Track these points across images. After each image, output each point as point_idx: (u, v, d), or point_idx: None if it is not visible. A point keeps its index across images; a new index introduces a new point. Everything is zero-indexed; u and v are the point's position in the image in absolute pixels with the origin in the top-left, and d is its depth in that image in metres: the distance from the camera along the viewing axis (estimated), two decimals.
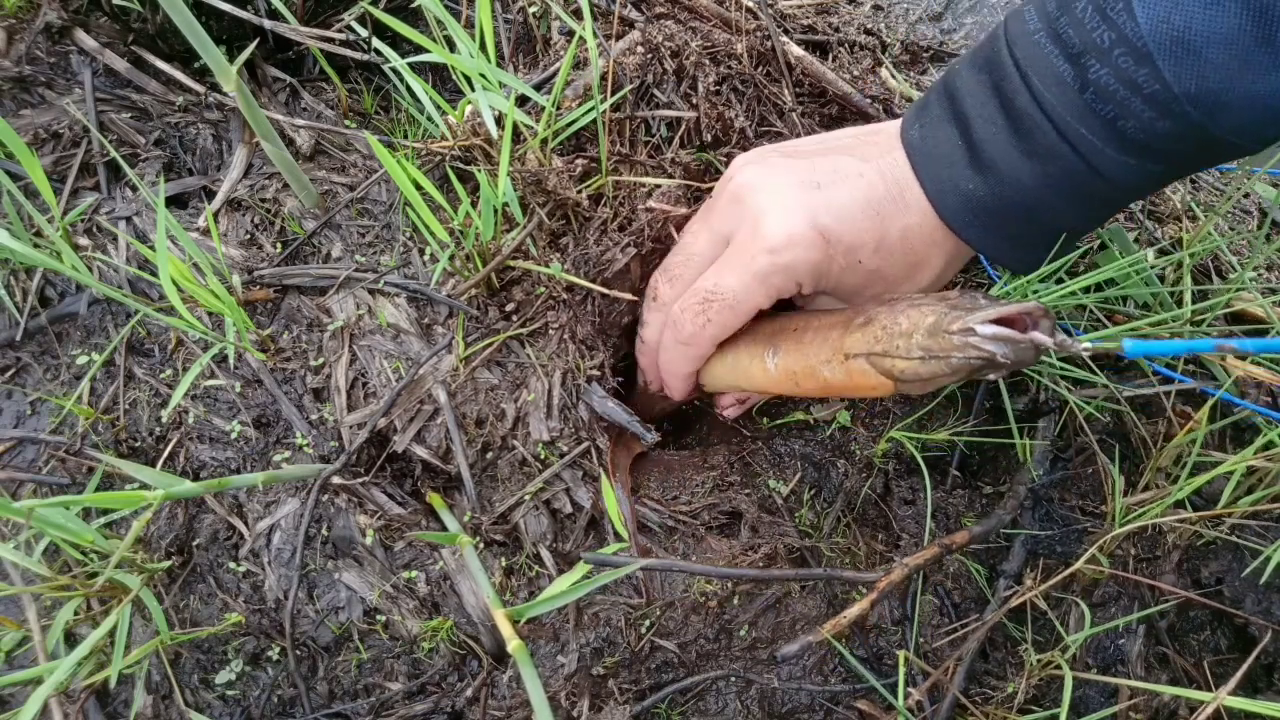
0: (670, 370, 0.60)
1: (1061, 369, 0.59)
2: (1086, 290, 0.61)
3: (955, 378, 0.42)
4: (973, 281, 0.68)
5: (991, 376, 0.41)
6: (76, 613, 0.50)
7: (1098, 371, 0.59)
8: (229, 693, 0.54)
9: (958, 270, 0.57)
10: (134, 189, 0.65)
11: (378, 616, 0.55)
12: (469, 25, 0.72)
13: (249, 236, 0.64)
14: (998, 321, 0.39)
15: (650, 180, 0.64)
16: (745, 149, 0.68)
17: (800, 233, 0.51)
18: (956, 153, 0.49)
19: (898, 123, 0.54)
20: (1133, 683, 0.48)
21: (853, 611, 0.50)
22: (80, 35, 0.68)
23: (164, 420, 0.59)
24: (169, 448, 0.59)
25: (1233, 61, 0.39)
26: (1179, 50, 0.39)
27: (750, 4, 0.72)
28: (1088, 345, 0.37)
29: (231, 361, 0.60)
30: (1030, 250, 0.52)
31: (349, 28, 0.68)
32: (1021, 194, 0.48)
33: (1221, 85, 0.40)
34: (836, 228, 0.51)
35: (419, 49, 0.56)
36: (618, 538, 0.58)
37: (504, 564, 0.56)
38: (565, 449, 0.58)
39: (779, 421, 0.66)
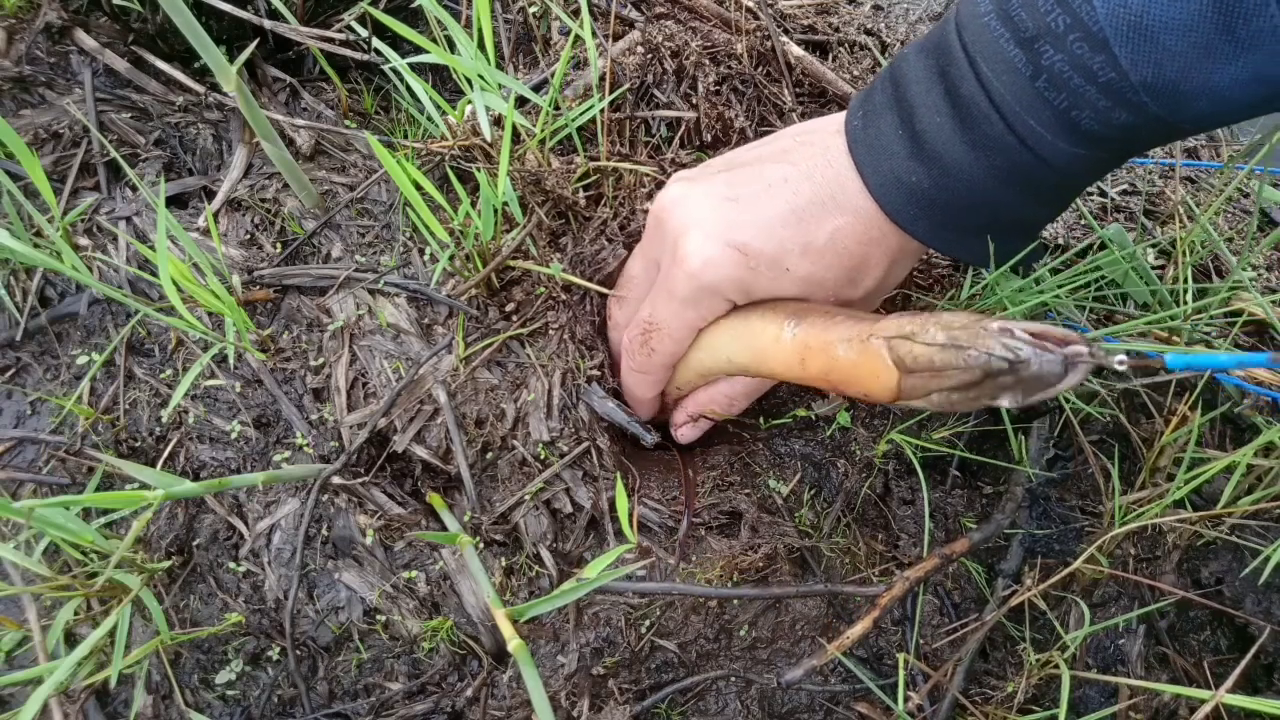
0: (633, 395, 0.62)
1: None
2: (1085, 287, 0.61)
3: (967, 377, 0.38)
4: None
5: (1005, 401, 0.38)
6: (76, 613, 0.50)
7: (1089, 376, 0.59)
8: (229, 693, 0.54)
9: (909, 269, 0.55)
10: (134, 189, 0.65)
11: (378, 616, 0.55)
12: (469, 25, 0.72)
13: (249, 236, 0.64)
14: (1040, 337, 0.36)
15: (646, 169, 0.64)
16: None
17: (716, 254, 0.50)
18: (898, 143, 0.47)
19: (840, 116, 0.52)
20: (1132, 681, 0.48)
21: (855, 631, 0.50)
22: (80, 35, 0.68)
23: (164, 420, 0.59)
24: (169, 448, 0.59)
25: (1192, 50, 0.37)
26: (1136, 36, 0.38)
27: (750, 4, 0.72)
28: (1123, 358, 0.34)
29: (231, 361, 0.60)
30: (981, 241, 0.50)
31: (349, 28, 0.68)
32: (967, 186, 0.46)
33: (1179, 74, 0.38)
34: (754, 242, 0.49)
35: (419, 49, 0.56)
36: (619, 538, 0.58)
37: (504, 564, 0.56)
38: (565, 449, 0.58)
39: (778, 421, 0.66)
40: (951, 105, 0.45)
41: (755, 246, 0.50)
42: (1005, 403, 0.38)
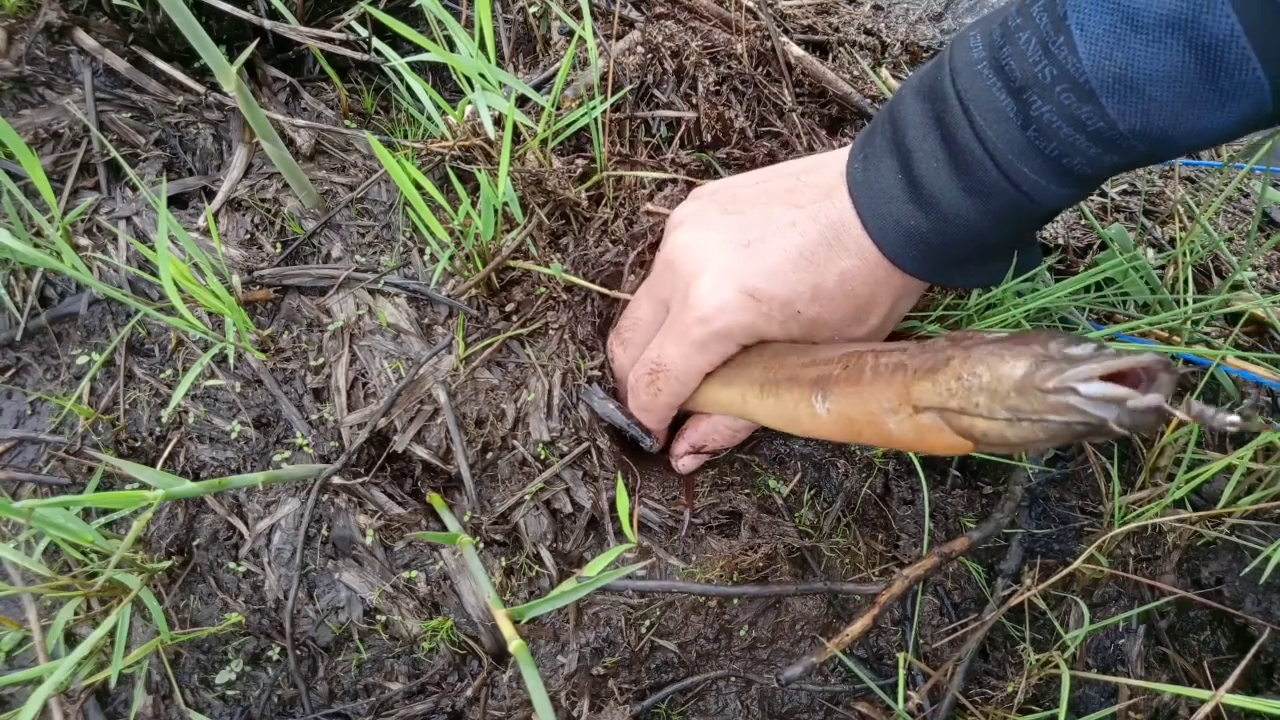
0: (647, 427, 0.62)
1: None
2: (1086, 290, 0.61)
3: (1054, 442, 0.34)
4: None
5: (1099, 440, 0.35)
6: (76, 613, 0.50)
7: None
8: (229, 693, 0.54)
9: (911, 304, 0.56)
10: (134, 189, 0.65)
11: (378, 616, 0.55)
12: (469, 25, 0.72)
13: (249, 236, 0.64)
14: (1106, 378, 0.31)
15: (649, 174, 0.64)
16: (745, 149, 0.68)
17: (729, 298, 0.50)
18: (897, 188, 0.48)
19: (843, 154, 0.53)
20: (1132, 681, 0.48)
21: (855, 629, 0.50)
22: (80, 35, 0.68)
23: (164, 420, 0.59)
24: (169, 448, 0.59)
25: (1177, 101, 0.38)
26: (1122, 88, 0.38)
27: (750, 4, 0.72)
28: (1234, 420, 0.28)
29: (231, 361, 0.60)
30: (975, 273, 0.51)
31: (349, 28, 0.68)
32: (964, 228, 0.47)
33: (1167, 122, 0.39)
34: (767, 286, 0.50)
35: (419, 49, 0.56)
36: (619, 537, 0.58)
37: (504, 564, 0.56)
38: (565, 449, 0.58)
39: None
40: (948, 152, 0.45)
41: (768, 291, 0.50)
42: (1100, 440, 0.34)
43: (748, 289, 0.50)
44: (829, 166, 0.53)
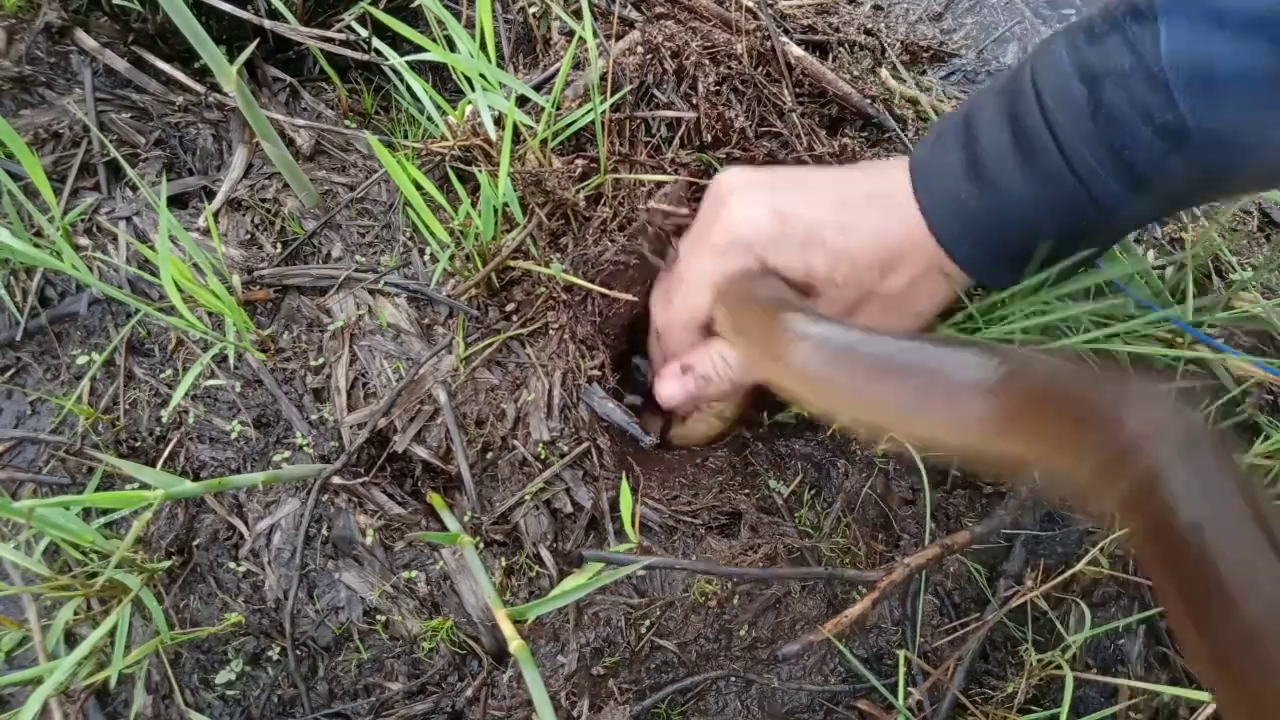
0: (654, 367, 0.62)
1: None
2: (1088, 295, 0.61)
3: None
4: None
5: None
6: (76, 613, 0.50)
7: None
8: (229, 693, 0.54)
9: (934, 300, 0.54)
10: (134, 189, 0.65)
11: (378, 616, 0.55)
12: (469, 25, 0.72)
13: (249, 236, 0.64)
14: None
15: (650, 176, 0.64)
16: (745, 149, 0.68)
17: (758, 213, 0.52)
18: (958, 165, 0.48)
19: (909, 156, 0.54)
20: (1133, 682, 0.48)
21: (854, 611, 0.50)
22: (80, 35, 0.68)
23: (164, 420, 0.59)
24: (169, 448, 0.59)
25: (1252, 102, 0.37)
26: (1197, 82, 0.38)
27: (750, 4, 0.72)
28: None
29: (231, 361, 0.60)
30: (1011, 269, 0.51)
31: (349, 28, 0.68)
32: (1016, 212, 0.47)
33: (1239, 126, 0.38)
34: (799, 209, 0.52)
35: (419, 49, 0.56)
36: (620, 537, 0.58)
37: (504, 564, 0.56)
38: (566, 449, 0.58)
39: (779, 420, 0.66)
40: (1014, 134, 0.46)
41: (797, 212, 0.52)
42: None
43: (778, 208, 0.52)
44: (894, 159, 0.55)
